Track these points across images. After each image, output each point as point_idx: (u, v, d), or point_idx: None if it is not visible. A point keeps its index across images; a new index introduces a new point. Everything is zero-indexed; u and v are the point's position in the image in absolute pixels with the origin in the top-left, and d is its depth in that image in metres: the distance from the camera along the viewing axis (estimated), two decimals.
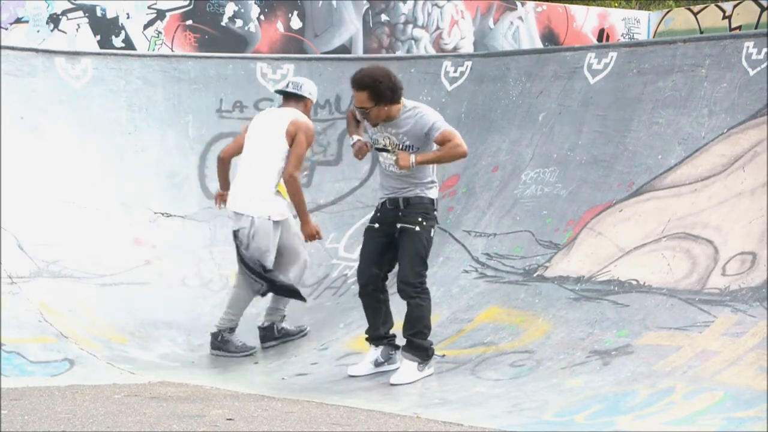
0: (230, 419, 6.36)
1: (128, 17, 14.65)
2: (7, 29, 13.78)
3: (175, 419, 6.31)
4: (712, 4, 18.10)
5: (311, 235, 8.49)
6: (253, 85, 10.70)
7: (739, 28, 17.18)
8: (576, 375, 6.98)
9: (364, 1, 16.32)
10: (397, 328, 7.72)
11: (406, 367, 7.46)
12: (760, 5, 17.22)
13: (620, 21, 18.79)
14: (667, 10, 20.01)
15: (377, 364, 7.71)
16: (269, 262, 8.37)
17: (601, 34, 18.47)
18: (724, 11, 17.71)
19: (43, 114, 9.97)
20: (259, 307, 8.79)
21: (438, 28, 16.93)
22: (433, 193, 7.54)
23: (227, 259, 9.35)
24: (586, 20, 18.41)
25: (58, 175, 9.67)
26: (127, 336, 8.71)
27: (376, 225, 7.63)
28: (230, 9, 15.35)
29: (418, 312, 7.45)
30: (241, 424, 6.23)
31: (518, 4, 17.63)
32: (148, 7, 14.82)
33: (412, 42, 16.65)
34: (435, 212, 7.57)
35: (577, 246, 8.28)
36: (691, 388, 6.42)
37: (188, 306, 9.20)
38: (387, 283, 7.69)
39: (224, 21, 15.30)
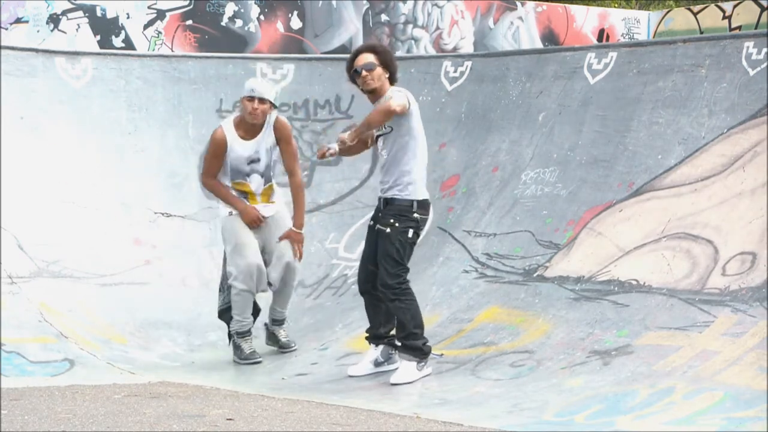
0: (230, 419, 6.36)
1: (128, 17, 14.65)
2: (7, 29, 13.78)
3: (175, 419, 6.31)
4: (712, 4, 18.10)
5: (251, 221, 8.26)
6: None
7: (739, 28, 17.18)
8: (576, 375, 6.98)
9: (364, 1, 16.32)
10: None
11: (405, 367, 7.47)
12: (760, 5, 17.22)
13: (620, 21, 18.79)
14: (667, 10, 20.02)
15: (377, 363, 7.72)
16: (227, 256, 8.32)
17: (601, 34, 18.47)
18: (724, 11, 17.71)
19: (43, 114, 9.97)
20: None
21: (438, 28, 16.93)
22: (411, 195, 7.46)
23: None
24: (586, 20, 18.41)
25: (58, 175, 9.67)
26: (127, 336, 8.71)
27: (372, 223, 7.67)
28: (230, 9, 15.35)
29: (401, 315, 7.47)
30: (241, 424, 6.23)
31: (518, 4, 17.63)
32: (148, 7, 14.82)
33: (412, 42, 16.65)
34: (416, 215, 7.47)
35: (577, 246, 8.28)
36: (691, 388, 6.42)
37: (188, 306, 9.21)
38: None
39: (224, 21, 15.30)
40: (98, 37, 14.40)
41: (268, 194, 8.38)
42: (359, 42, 16.26)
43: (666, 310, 7.29)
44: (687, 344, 6.89)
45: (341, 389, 7.41)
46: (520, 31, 17.60)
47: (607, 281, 7.81)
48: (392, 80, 7.58)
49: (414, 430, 6.14)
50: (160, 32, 14.86)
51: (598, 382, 6.80)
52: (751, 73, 8.17)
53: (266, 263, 8.36)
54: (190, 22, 15.10)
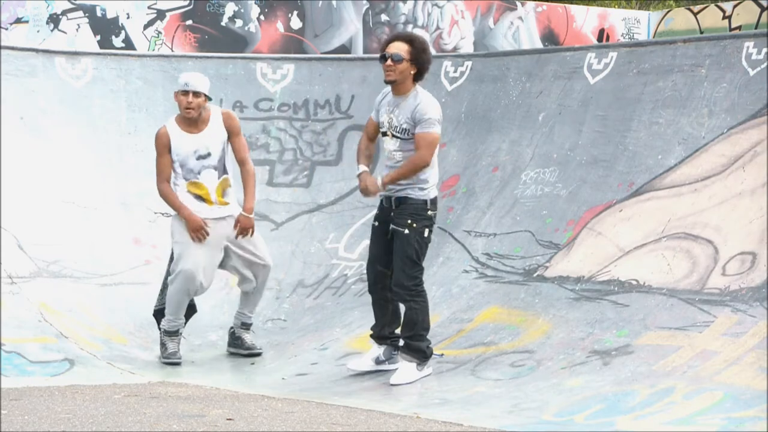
0: (230, 419, 6.36)
1: (128, 17, 14.65)
2: (7, 29, 13.78)
3: (175, 419, 6.31)
4: (712, 4, 18.10)
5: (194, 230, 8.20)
6: (253, 85, 10.70)
7: (739, 28, 17.19)
8: (576, 375, 6.98)
9: (364, 1, 16.32)
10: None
11: (405, 367, 7.47)
12: (760, 5, 17.22)
13: (620, 21, 18.79)
14: (667, 10, 20.02)
15: (378, 361, 7.70)
16: (174, 256, 8.31)
17: (601, 34, 18.48)
18: (724, 11, 17.71)
19: (43, 114, 9.97)
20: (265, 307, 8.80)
21: (438, 28, 16.94)
22: (427, 194, 7.45)
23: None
24: (586, 20, 18.41)
25: (58, 175, 9.67)
26: (127, 336, 8.71)
27: (377, 223, 7.62)
28: (230, 9, 15.36)
29: (414, 315, 7.44)
30: (241, 424, 6.23)
31: (518, 4, 17.63)
32: (148, 7, 14.82)
33: None
34: (430, 213, 7.46)
35: (577, 246, 8.28)
36: (691, 388, 6.42)
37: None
38: None
39: (224, 21, 15.30)
40: (98, 37, 14.41)
41: (222, 188, 8.28)
42: (359, 42, 16.28)
43: (666, 310, 7.29)
44: (687, 344, 6.89)
45: (341, 389, 7.41)
46: (520, 31, 17.60)
47: (607, 281, 7.81)
48: (418, 77, 7.41)
49: (414, 430, 6.14)
50: (160, 32, 14.86)
51: (598, 382, 6.80)
52: (751, 73, 8.17)
53: (224, 265, 8.35)
54: (190, 22, 15.11)
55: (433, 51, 16.37)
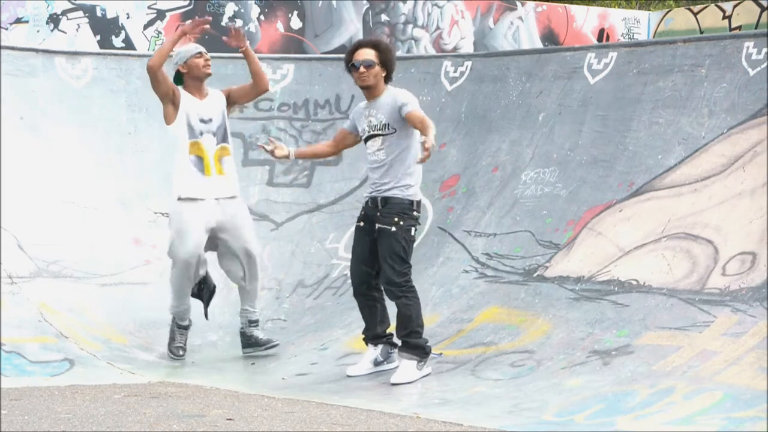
0: (230, 419, 6.37)
1: (128, 17, 14.64)
2: (7, 29, 13.78)
3: (175, 419, 6.31)
4: (712, 4, 18.10)
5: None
6: None
7: (739, 28, 17.18)
8: (576, 375, 6.98)
9: (364, 1, 16.32)
10: (392, 329, 7.72)
11: (405, 366, 7.47)
12: (760, 5, 17.22)
13: (620, 21, 18.79)
14: (667, 10, 20.02)
15: (376, 363, 7.72)
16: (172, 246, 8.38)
17: (601, 34, 18.47)
18: (724, 11, 17.71)
19: (43, 114, 9.97)
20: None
21: (438, 28, 16.93)
22: (412, 196, 7.52)
23: None
24: (586, 20, 18.41)
25: (58, 175, 9.67)
26: (127, 336, 8.71)
27: (362, 224, 7.65)
28: (230, 9, 15.35)
29: (407, 312, 7.47)
30: (241, 424, 6.23)
31: (518, 4, 17.63)
32: (148, 7, 14.81)
33: (412, 42, 16.65)
34: (415, 213, 7.54)
35: (577, 246, 8.28)
36: (691, 388, 6.42)
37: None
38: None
39: (224, 21, 15.30)
40: (98, 37, 14.40)
41: (221, 156, 8.41)
42: None
43: (666, 310, 7.29)
44: (687, 344, 6.89)
45: (341, 389, 7.41)
46: (520, 31, 17.60)
47: (607, 281, 7.81)
48: (387, 79, 7.63)
49: (414, 430, 6.15)
50: (160, 32, 14.85)
51: (598, 382, 6.80)
52: (751, 73, 8.17)
53: (216, 247, 8.45)
54: (190, 22, 15.09)
55: (433, 51, 16.49)
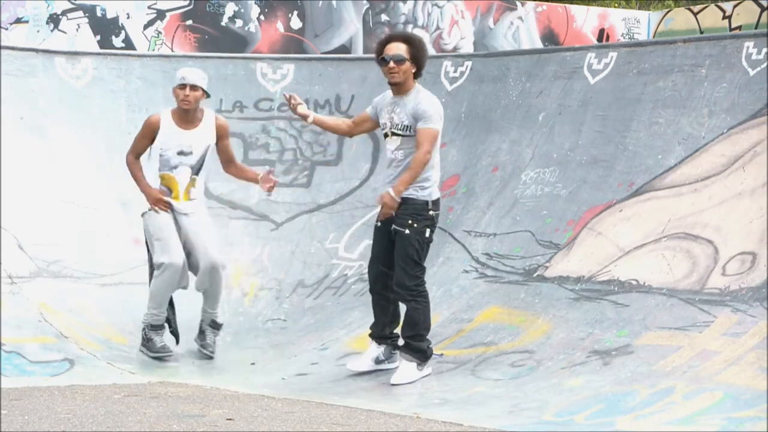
0: (230, 419, 6.36)
1: (128, 17, 14.65)
2: (7, 29, 13.78)
3: (175, 419, 6.31)
4: (712, 4, 18.10)
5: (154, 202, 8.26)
6: (253, 85, 10.71)
7: (739, 28, 17.19)
8: (576, 375, 6.98)
9: (364, 1, 16.32)
10: (398, 329, 7.73)
11: (405, 366, 7.47)
12: (760, 5, 17.22)
13: (620, 21, 18.79)
14: (667, 10, 20.02)
15: (378, 361, 7.71)
16: (151, 251, 8.36)
17: (601, 34, 18.48)
18: (724, 11, 17.71)
19: (43, 114, 9.97)
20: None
21: (438, 28, 16.93)
22: (428, 194, 7.48)
23: (226, 259, 9.34)
24: (586, 20, 18.41)
25: (58, 175, 9.67)
26: (127, 336, 8.71)
27: (379, 223, 7.62)
28: (230, 9, 15.35)
29: (415, 315, 7.45)
30: (241, 424, 6.23)
31: (518, 4, 17.63)
32: (148, 7, 14.82)
33: None
34: (431, 213, 7.49)
35: (577, 246, 8.28)
36: (691, 388, 6.42)
37: (188, 306, 9.19)
38: None
39: (224, 21, 15.30)
40: (98, 37, 14.41)
41: (191, 188, 8.33)
42: (359, 42, 16.28)
43: (666, 310, 7.29)
44: (687, 344, 6.89)
45: (341, 389, 7.41)
46: (520, 31, 17.60)
47: (607, 281, 7.81)
48: (417, 75, 7.49)
49: (414, 430, 6.15)
50: (160, 32, 14.86)
51: (598, 382, 6.80)
52: (751, 73, 8.17)
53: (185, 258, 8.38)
54: (190, 22, 15.11)
55: (433, 51, 16.48)
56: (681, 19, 18.46)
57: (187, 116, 8.30)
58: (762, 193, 7.51)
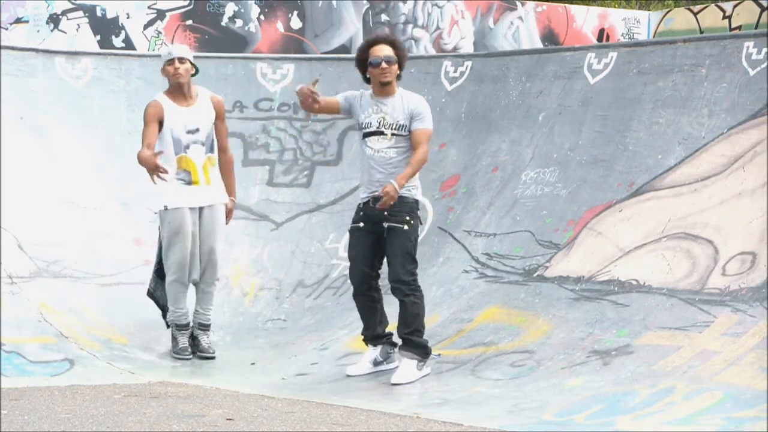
0: (230, 419, 6.36)
1: (128, 17, 14.65)
2: (7, 29, 13.78)
3: (175, 419, 6.31)
4: (712, 4, 18.10)
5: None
6: (253, 85, 10.70)
7: (739, 28, 17.18)
8: (576, 375, 6.98)
9: (364, 1, 16.32)
10: (391, 328, 7.72)
11: (405, 366, 7.47)
12: (760, 5, 17.22)
13: (620, 21, 18.79)
14: (667, 10, 20.02)
15: (376, 363, 7.72)
16: (163, 246, 8.41)
17: (601, 34, 18.48)
18: (724, 11, 17.71)
19: (43, 114, 9.97)
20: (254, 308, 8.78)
21: (438, 28, 16.93)
22: (416, 195, 7.58)
23: (227, 259, 9.36)
24: (586, 20, 18.41)
25: (58, 175, 9.67)
26: (127, 336, 8.71)
27: (362, 224, 7.63)
28: (230, 9, 15.35)
29: (414, 310, 7.47)
30: (241, 424, 6.23)
31: (518, 4, 17.63)
32: (148, 7, 14.82)
33: (412, 42, 16.65)
34: (419, 212, 7.61)
35: (577, 246, 8.28)
36: (691, 388, 6.42)
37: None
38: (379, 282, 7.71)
39: (224, 21, 15.30)
40: (98, 37, 14.41)
41: (209, 166, 8.39)
42: (359, 42, 16.23)
43: (666, 310, 7.29)
44: (687, 344, 6.89)
45: (341, 389, 7.41)
46: (520, 31, 17.60)
47: (607, 281, 7.81)
48: (399, 77, 7.64)
49: (414, 430, 6.14)
50: (160, 32, 14.86)
51: (598, 382, 6.80)
52: (751, 73, 8.17)
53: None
54: (190, 22, 15.11)
55: (433, 51, 16.49)
56: (681, 19, 18.45)
57: (182, 92, 8.36)
58: (762, 193, 7.51)
